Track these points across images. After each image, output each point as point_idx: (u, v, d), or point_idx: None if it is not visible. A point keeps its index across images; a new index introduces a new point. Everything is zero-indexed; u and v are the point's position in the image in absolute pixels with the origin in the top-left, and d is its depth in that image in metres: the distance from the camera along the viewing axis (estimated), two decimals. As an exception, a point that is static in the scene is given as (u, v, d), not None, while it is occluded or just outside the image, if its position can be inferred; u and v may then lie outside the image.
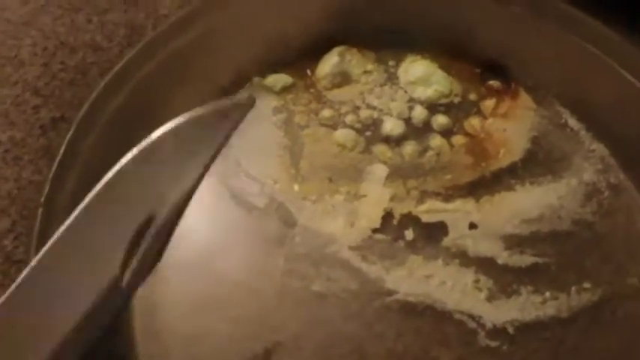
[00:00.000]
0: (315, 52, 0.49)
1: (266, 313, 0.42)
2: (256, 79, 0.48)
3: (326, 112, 0.47)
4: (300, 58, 0.49)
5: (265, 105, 0.48)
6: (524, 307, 0.43)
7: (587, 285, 0.44)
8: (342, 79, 0.48)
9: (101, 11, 0.52)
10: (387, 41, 0.50)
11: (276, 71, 0.48)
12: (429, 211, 0.45)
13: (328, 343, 0.42)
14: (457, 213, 0.45)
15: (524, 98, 0.49)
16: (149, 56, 0.46)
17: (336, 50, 0.48)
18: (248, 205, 0.44)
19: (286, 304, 0.42)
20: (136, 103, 0.45)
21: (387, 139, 0.47)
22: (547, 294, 0.43)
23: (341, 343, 0.42)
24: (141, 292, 0.42)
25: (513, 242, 0.45)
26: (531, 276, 0.44)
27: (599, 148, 0.48)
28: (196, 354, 0.41)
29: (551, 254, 0.45)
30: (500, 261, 0.44)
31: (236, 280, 0.43)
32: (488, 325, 0.42)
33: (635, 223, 0.46)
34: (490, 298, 0.43)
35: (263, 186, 0.45)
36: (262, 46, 0.49)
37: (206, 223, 0.44)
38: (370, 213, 0.44)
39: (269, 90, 0.48)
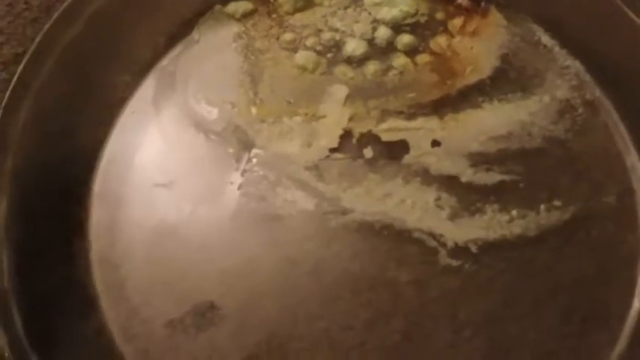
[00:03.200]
0: (279, -24, 0.48)
1: (223, 236, 0.41)
2: (217, 7, 0.47)
3: (287, 36, 0.46)
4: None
5: (226, 32, 0.47)
6: (489, 225, 0.41)
7: (557, 203, 0.42)
8: (305, 3, 0.47)
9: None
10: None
11: (238, -2, 0.47)
12: (390, 129, 0.43)
13: (284, 265, 0.41)
14: (419, 131, 0.43)
15: (495, 16, 0.47)
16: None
17: (298, -27, 0.47)
18: (207, 130, 0.44)
19: (243, 226, 0.42)
20: (91, 36, 0.44)
21: (349, 60, 0.46)
22: (514, 212, 0.42)
23: (297, 264, 0.41)
24: (99, 219, 0.41)
25: (479, 160, 0.43)
26: (498, 194, 0.42)
27: (574, 65, 0.46)
28: (153, 279, 0.41)
29: (520, 172, 0.43)
30: (464, 179, 0.42)
31: (194, 205, 0.42)
32: (450, 243, 0.41)
33: (613, 141, 0.44)
34: (452, 217, 0.41)
35: (222, 111, 0.44)
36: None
37: (166, 151, 0.44)
38: (328, 133, 0.43)
39: (230, 17, 0.47)
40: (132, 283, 0.41)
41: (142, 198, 0.42)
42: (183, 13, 0.47)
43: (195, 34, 0.47)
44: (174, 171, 0.43)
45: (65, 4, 0.44)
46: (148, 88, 0.45)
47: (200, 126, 0.44)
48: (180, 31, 0.47)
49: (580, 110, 0.45)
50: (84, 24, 0.44)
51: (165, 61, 0.46)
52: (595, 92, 0.45)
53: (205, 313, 0.40)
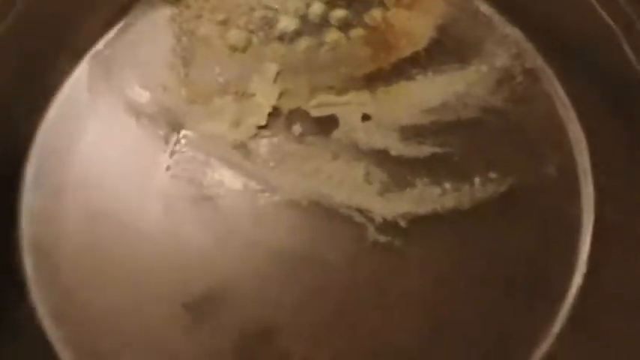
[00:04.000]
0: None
1: (154, 219, 0.41)
2: (152, -9, 0.47)
3: (219, 16, 0.46)
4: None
5: (160, 15, 0.47)
6: (420, 199, 0.40)
7: (493, 175, 0.41)
8: (239, -18, 0.46)
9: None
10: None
11: (173, -19, 0.47)
12: (320, 105, 0.43)
13: (214, 245, 0.40)
14: (349, 105, 0.43)
15: (433, -14, 0.46)
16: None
17: (230, -48, 0.46)
18: (139, 114, 0.43)
19: (173, 207, 0.41)
20: (24, 23, 0.44)
21: (281, 38, 0.45)
22: (447, 185, 0.41)
23: (227, 244, 0.40)
24: (32, 206, 0.41)
25: (410, 133, 0.42)
26: (429, 167, 0.41)
27: (514, 33, 0.45)
28: (85, 267, 0.40)
29: (454, 144, 0.42)
30: (394, 152, 0.42)
31: (126, 190, 0.42)
32: (378, 219, 0.40)
33: (554, 110, 0.43)
34: (382, 192, 0.41)
35: (153, 94, 0.44)
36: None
37: (100, 137, 0.44)
38: (257, 111, 0.42)
39: (164, 1, 0.46)
40: (65, 269, 0.40)
41: (75, 185, 0.42)
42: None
43: (130, 18, 0.46)
44: (107, 157, 0.43)
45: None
46: (82, 73, 0.45)
47: (133, 110, 0.44)
48: (115, 17, 0.46)
49: (520, 79, 0.44)
50: (16, 11, 0.44)
51: (100, 46, 0.45)
52: (536, 60, 0.44)
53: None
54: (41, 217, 0.42)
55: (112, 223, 0.41)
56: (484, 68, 0.44)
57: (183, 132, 0.42)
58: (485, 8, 0.45)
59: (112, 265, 0.40)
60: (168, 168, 0.42)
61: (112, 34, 0.46)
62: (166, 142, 0.42)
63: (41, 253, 0.41)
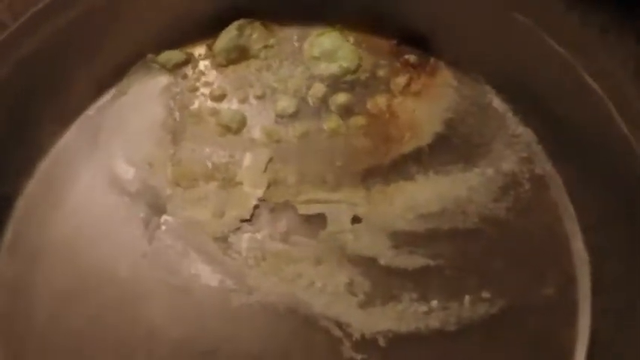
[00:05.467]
0: (219, 26, 0.45)
1: (124, 307, 0.40)
2: (149, 56, 0.45)
3: (216, 91, 0.44)
4: (201, 33, 0.45)
5: (155, 83, 0.45)
6: (403, 316, 0.38)
7: (486, 294, 0.38)
8: (240, 54, 0.44)
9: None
10: (295, 14, 0.44)
11: (174, 47, 0.45)
12: (309, 201, 0.40)
13: (183, 341, 0.38)
14: (340, 205, 0.40)
15: (444, 74, 0.43)
16: (29, 33, 0.43)
17: (235, 24, 0.44)
18: (121, 190, 0.42)
19: (145, 297, 0.40)
20: (18, 81, 0.42)
21: (277, 120, 0.42)
22: (434, 303, 0.38)
23: (195, 342, 0.39)
24: (5, 272, 0.40)
25: (402, 240, 0.40)
26: (418, 280, 0.39)
27: (526, 133, 0.42)
28: (52, 343, 0.39)
29: (447, 256, 0.39)
30: (382, 261, 0.39)
31: (100, 270, 0.40)
32: (356, 334, 0.38)
33: (560, 223, 0.40)
34: (364, 304, 0.38)
35: (138, 170, 0.42)
36: (165, 21, 0.45)
37: (80, 210, 0.42)
38: (242, 202, 0.40)
39: (161, 67, 0.44)
40: (31, 341, 0.39)
41: (50, 257, 0.41)
42: (116, 60, 0.44)
43: (124, 84, 0.44)
44: (83, 234, 0.41)
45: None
46: (71, 138, 0.43)
47: (116, 186, 0.42)
48: (110, 79, 0.45)
49: (527, 186, 0.41)
50: (12, 67, 0.42)
51: (91, 111, 0.44)
52: (546, 166, 0.41)
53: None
54: (13, 285, 0.41)
55: (80, 304, 0.40)
56: (490, 171, 0.41)
57: (164, 217, 0.40)
58: (498, 103, 0.42)
59: (79, 345, 0.39)
60: (144, 255, 0.40)
61: (104, 98, 0.44)
62: (146, 226, 0.41)
63: (9, 323, 0.40)
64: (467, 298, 0.38)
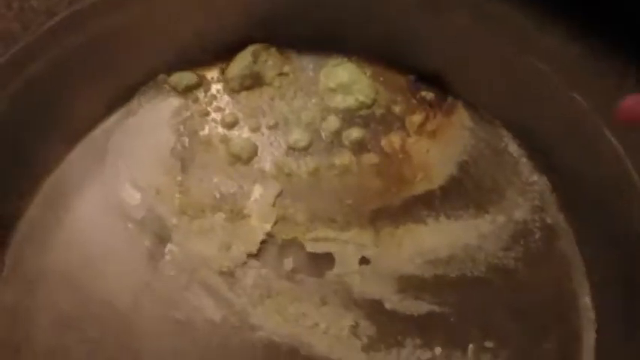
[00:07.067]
0: (233, 50, 0.44)
1: (124, 337, 0.39)
2: (161, 77, 0.44)
3: (227, 118, 0.43)
4: (215, 56, 0.44)
5: (165, 106, 0.44)
6: (406, 363, 0.37)
7: (489, 344, 0.38)
8: (254, 80, 0.43)
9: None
10: (313, 42, 0.44)
11: (187, 69, 0.44)
12: (317, 239, 0.40)
13: (182, 377, 0.37)
14: (349, 245, 0.39)
15: (461, 115, 0.42)
16: (40, 50, 0.42)
17: (250, 49, 0.43)
18: (127, 217, 0.41)
19: (146, 329, 0.39)
20: (27, 100, 0.41)
21: (289, 153, 0.42)
22: (437, 350, 0.38)
23: (192, 377, 0.37)
24: (5, 298, 0.39)
25: (409, 285, 0.39)
26: (423, 326, 0.39)
27: (540, 182, 0.42)
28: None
29: (453, 303, 0.39)
30: (388, 305, 0.39)
31: (100, 299, 0.40)
32: (358, 378, 0.37)
33: (568, 276, 0.39)
34: (367, 348, 0.38)
35: (145, 196, 0.41)
36: (178, 44, 0.44)
37: (83, 235, 0.41)
38: (249, 237, 0.40)
39: (172, 89, 0.43)
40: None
41: (51, 282, 0.40)
42: (126, 81, 0.44)
43: (134, 104, 0.43)
44: (85, 260, 0.40)
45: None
46: (76, 159, 0.42)
47: (121, 211, 0.41)
48: (120, 99, 0.44)
49: (537, 236, 0.40)
50: (21, 84, 0.41)
51: (98, 131, 0.43)
52: (558, 216, 0.41)
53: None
54: (13, 312, 0.40)
55: (79, 334, 0.39)
56: (501, 219, 0.40)
57: (169, 246, 0.40)
58: (514, 148, 0.42)
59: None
60: (147, 285, 0.39)
61: (113, 119, 0.43)
62: (150, 256, 0.40)
63: (8, 351, 0.39)
64: (470, 347, 0.38)
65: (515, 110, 0.41)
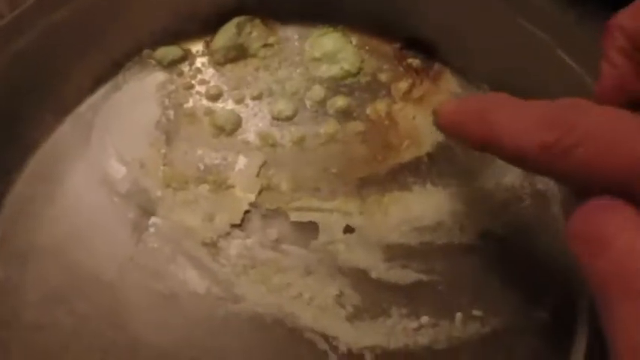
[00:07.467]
0: (217, 22, 0.44)
1: (111, 311, 0.38)
2: (146, 51, 0.43)
3: (211, 90, 0.42)
4: (200, 29, 0.44)
5: (150, 80, 0.44)
6: (392, 332, 0.37)
7: (477, 313, 0.37)
8: (238, 52, 0.43)
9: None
10: (298, 12, 0.43)
11: (171, 43, 0.43)
12: (301, 208, 0.39)
13: (167, 350, 0.37)
14: (334, 213, 0.39)
15: (448, 82, 0.42)
16: (26, 25, 0.42)
17: (234, 21, 0.43)
18: (111, 190, 0.41)
19: (132, 302, 0.39)
20: (13, 77, 0.41)
21: (273, 123, 0.41)
22: (424, 319, 0.37)
23: (180, 352, 0.37)
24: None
25: (396, 253, 0.38)
26: (410, 295, 0.38)
27: (531, 146, 0.40)
28: (36, 346, 0.38)
29: (441, 271, 0.38)
30: (374, 274, 0.38)
31: (87, 273, 0.39)
32: (343, 348, 0.37)
33: (559, 244, 0.38)
34: (352, 318, 0.37)
35: (130, 170, 0.41)
36: (163, 17, 0.44)
37: (71, 210, 0.41)
38: (233, 207, 0.39)
39: (157, 63, 0.43)
40: (15, 345, 0.38)
41: (39, 257, 0.40)
42: (112, 56, 0.44)
43: (119, 79, 0.43)
44: (72, 233, 0.40)
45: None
46: (63, 134, 0.42)
47: (107, 185, 0.41)
48: (106, 74, 0.44)
49: (527, 202, 0.39)
50: (6, 60, 0.41)
51: (84, 107, 0.43)
52: (548, 182, 0.39)
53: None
54: (2, 286, 0.39)
55: (65, 306, 0.39)
56: (490, 185, 0.39)
57: (153, 219, 0.39)
58: (503, 114, 0.40)
59: (60, 351, 0.38)
60: (131, 258, 0.39)
61: (98, 94, 0.43)
62: (134, 228, 0.39)
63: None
64: (458, 315, 0.37)
65: (505, 76, 0.40)
